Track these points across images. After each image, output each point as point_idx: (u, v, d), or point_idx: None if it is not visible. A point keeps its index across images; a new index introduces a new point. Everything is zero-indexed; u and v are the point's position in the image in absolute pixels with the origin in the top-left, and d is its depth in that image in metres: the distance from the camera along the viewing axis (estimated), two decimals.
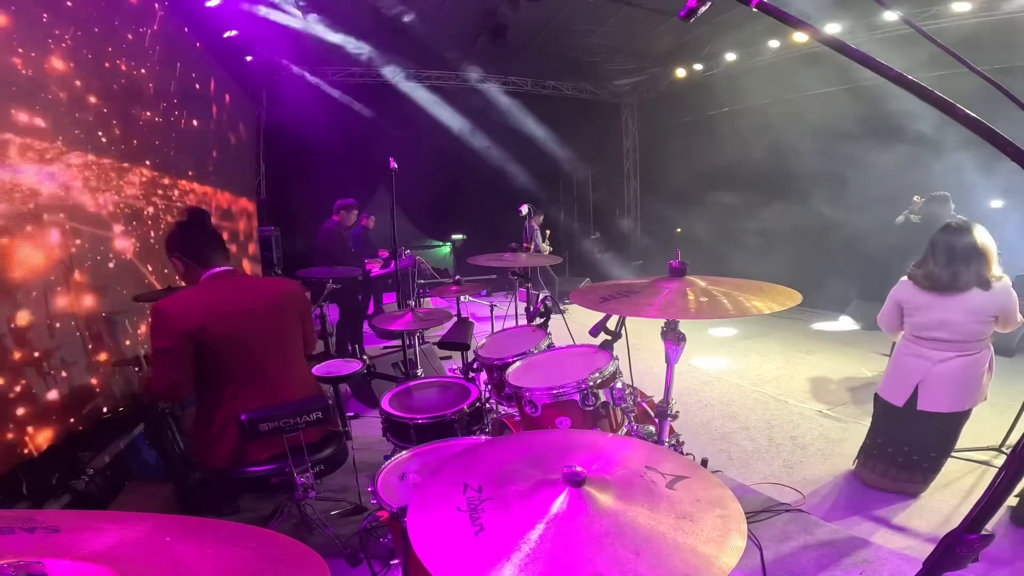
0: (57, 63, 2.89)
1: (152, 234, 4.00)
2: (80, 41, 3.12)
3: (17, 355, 2.48)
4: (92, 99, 3.27)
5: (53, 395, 2.70)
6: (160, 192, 4.24)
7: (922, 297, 2.66)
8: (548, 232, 8.16)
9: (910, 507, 2.70)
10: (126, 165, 3.66)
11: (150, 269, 3.93)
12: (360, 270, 5.32)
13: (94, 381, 3.06)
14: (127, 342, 3.47)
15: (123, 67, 3.70)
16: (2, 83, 2.46)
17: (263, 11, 6.17)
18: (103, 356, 3.18)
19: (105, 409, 3.10)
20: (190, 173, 4.98)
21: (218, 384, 2.06)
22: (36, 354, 2.61)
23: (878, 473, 2.85)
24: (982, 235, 2.55)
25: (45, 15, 2.80)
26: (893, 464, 2.78)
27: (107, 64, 3.48)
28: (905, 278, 2.76)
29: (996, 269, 2.56)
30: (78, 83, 3.10)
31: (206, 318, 1.98)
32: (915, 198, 5.18)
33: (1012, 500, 2.45)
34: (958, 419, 2.67)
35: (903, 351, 2.80)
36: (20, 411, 2.46)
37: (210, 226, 2.23)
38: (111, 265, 3.38)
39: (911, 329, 2.76)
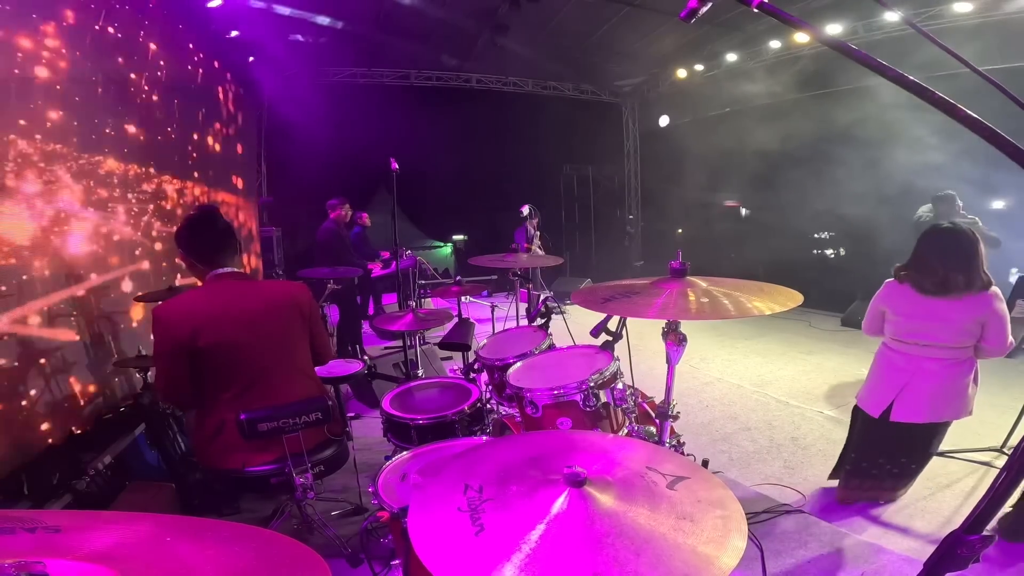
0: (57, 64, 2.89)
1: (153, 235, 4.00)
2: (81, 38, 3.13)
3: (18, 355, 2.49)
4: (93, 100, 3.28)
5: (54, 395, 2.70)
6: (161, 193, 4.25)
7: (907, 299, 2.53)
8: (538, 234, 8.10)
9: (911, 508, 2.69)
10: (128, 166, 3.67)
11: (152, 268, 3.94)
12: (360, 270, 5.33)
13: (95, 381, 3.06)
14: (128, 342, 3.47)
15: (122, 65, 3.71)
16: (7, 86, 2.47)
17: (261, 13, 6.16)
18: (104, 356, 3.19)
19: (106, 409, 3.10)
20: (192, 174, 4.98)
21: (216, 388, 2.05)
22: (36, 354, 2.62)
23: (851, 488, 2.74)
24: (972, 236, 2.43)
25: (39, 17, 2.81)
26: (868, 477, 2.68)
27: (106, 62, 3.48)
28: (889, 280, 2.64)
29: (986, 273, 2.42)
30: (77, 84, 3.11)
31: (201, 324, 1.96)
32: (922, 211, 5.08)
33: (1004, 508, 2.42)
34: (934, 430, 2.56)
35: (883, 358, 2.68)
36: (21, 411, 2.46)
37: (218, 225, 2.15)
38: (112, 265, 3.39)
39: (892, 333, 2.62)
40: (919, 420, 2.51)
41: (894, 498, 2.73)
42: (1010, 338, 2.40)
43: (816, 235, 8.11)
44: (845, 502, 2.75)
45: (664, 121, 9.84)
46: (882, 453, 2.65)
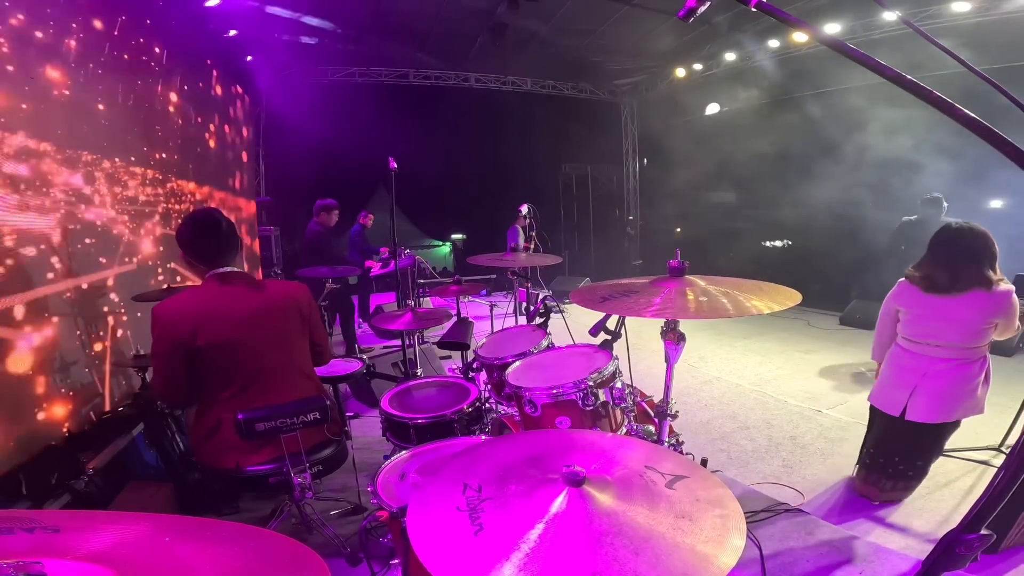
0: (60, 66, 2.88)
1: (154, 234, 4.00)
2: (84, 40, 3.12)
3: (16, 354, 2.48)
4: (94, 100, 3.27)
5: (52, 395, 2.69)
6: (161, 192, 4.24)
7: (920, 300, 2.55)
8: (533, 234, 8.09)
9: (910, 507, 2.70)
10: (129, 166, 3.66)
11: (151, 268, 3.93)
12: (359, 269, 5.33)
13: (93, 381, 3.06)
14: (127, 342, 3.47)
15: (124, 65, 3.70)
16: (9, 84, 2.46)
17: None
18: (102, 356, 3.18)
19: (105, 409, 3.10)
20: (192, 173, 4.97)
21: (215, 387, 2.05)
22: (36, 354, 2.61)
23: (869, 483, 2.78)
24: (984, 236, 2.44)
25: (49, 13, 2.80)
26: (884, 475, 2.71)
27: (108, 64, 3.47)
28: (902, 280, 2.66)
29: (998, 271, 2.44)
30: (80, 85, 3.10)
31: (198, 324, 1.96)
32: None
33: None
34: (945, 429, 2.58)
35: (895, 358, 2.70)
36: (19, 411, 2.46)
37: (221, 225, 2.12)
38: (111, 264, 3.38)
39: (904, 332, 2.65)
40: (932, 420, 2.52)
41: (900, 499, 2.73)
42: (1018, 324, 2.44)
43: (815, 233, 8.11)
44: (862, 494, 2.80)
45: (713, 108, 9.48)
46: (898, 451, 2.67)
